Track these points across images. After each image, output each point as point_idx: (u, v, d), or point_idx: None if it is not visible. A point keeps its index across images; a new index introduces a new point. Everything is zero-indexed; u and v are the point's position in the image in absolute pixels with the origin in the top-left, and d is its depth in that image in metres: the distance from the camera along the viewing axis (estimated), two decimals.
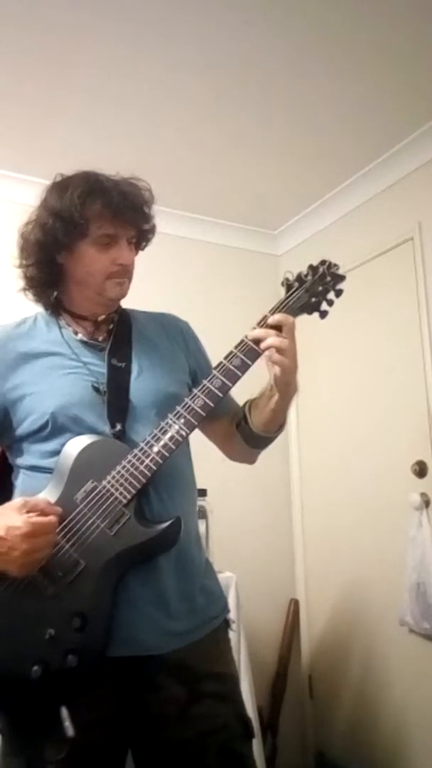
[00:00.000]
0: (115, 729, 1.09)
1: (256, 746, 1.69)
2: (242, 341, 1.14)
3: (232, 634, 1.26)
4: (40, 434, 1.14)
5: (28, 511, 1.01)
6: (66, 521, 1.06)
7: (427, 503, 2.24)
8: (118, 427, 1.13)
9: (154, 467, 1.07)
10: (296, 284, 1.19)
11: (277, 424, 1.24)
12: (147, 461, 1.07)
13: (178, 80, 2.10)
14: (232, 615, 1.34)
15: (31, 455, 1.17)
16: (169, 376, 1.24)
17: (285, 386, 1.16)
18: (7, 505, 1.04)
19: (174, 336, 1.34)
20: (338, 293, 1.20)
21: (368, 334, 2.62)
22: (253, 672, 2.31)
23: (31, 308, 1.30)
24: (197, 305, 2.40)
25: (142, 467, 1.07)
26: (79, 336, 1.24)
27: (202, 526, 2.06)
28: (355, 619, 2.58)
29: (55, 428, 1.12)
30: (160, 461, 1.08)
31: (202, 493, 2.07)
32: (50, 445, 1.13)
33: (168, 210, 2.69)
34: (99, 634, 1.04)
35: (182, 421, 1.10)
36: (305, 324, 1.21)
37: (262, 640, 2.67)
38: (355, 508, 2.61)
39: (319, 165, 2.60)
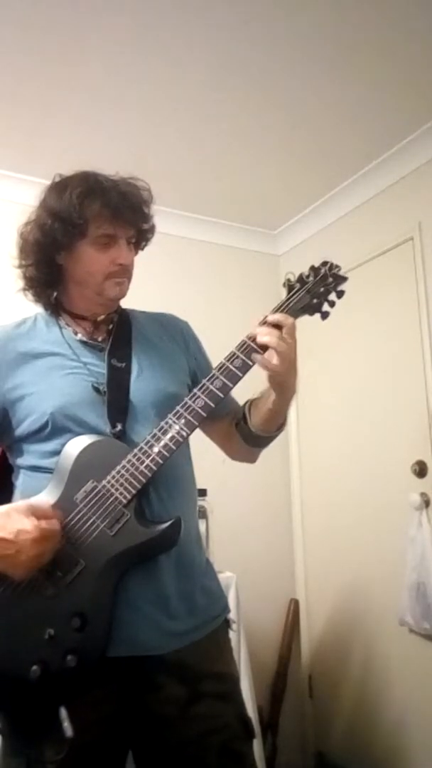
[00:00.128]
0: (115, 729, 1.09)
1: (256, 746, 1.69)
2: (243, 342, 1.14)
3: (232, 634, 1.26)
4: (40, 434, 1.14)
5: (35, 515, 1.01)
6: (66, 521, 1.06)
7: (427, 503, 2.24)
8: (119, 427, 1.13)
9: (155, 467, 1.07)
10: (297, 285, 1.19)
11: (275, 424, 1.24)
12: (147, 461, 1.07)
13: (178, 80, 2.10)
14: (232, 615, 1.34)
15: (31, 455, 1.17)
16: (170, 376, 1.24)
17: (279, 387, 1.16)
18: (12, 507, 1.03)
19: (174, 336, 1.34)
20: (340, 294, 1.20)
21: (368, 334, 2.62)
22: (253, 672, 2.31)
23: (31, 308, 1.30)
24: (197, 305, 2.40)
25: (142, 467, 1.07)
26: (79, 336, 1.24)
27: (202, 526, 2.06)
28: (355, 619, 2.58)
29: (55, 428, 1.12)
30: (161, 461, 1.07)
31: (202, 493, 2.07)
32: (50, 445, 1.13)
33: (168, 210, 2.69)
34: (99, 634, 1.04)
35: (183, 421, 1.10)
36: (305, 324, 1.21)
37: (262, 640, 2.67)
38: (355, 508, 2.61)
39: (319, 165, 2.60)
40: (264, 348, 1.11)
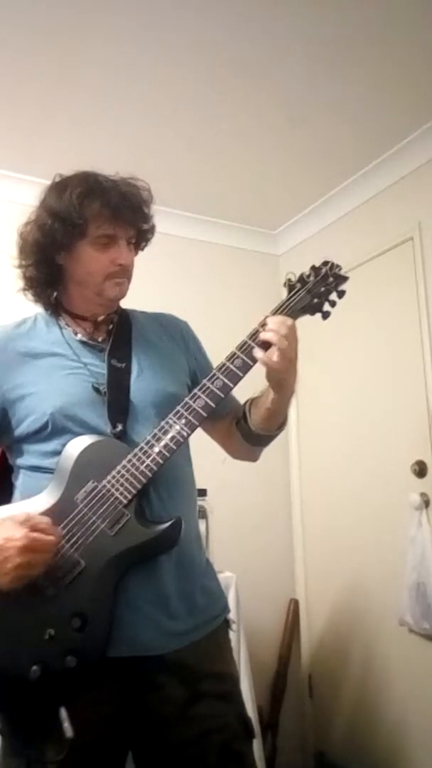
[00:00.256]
0: (115, 729, 1.09)
1: (256, 746, 1.69)
2: (244, 341, 1.14)
3: (232, 634, 1.26)
4: (40, 434, 1.14)
5: (29, 526, 1.00)
6: (66, 521, 1.06)
7: (427, 503, 2.24)
8: (119, 427, 1.13)
9: (155, 467, 1.07)
10: (298, 285, 1.19)
11: (275, 423, 1.24)
12: (147, 461, 1.07)
13: (178, 80, 2.10)
14: (232, 615, 1.34)
15: (31, 455, 1.17)
16: (170, 376, 1.24)
17: (278, 385, 1.16)
18: (9, 516, 1.03)
19: (174, 336, 1.34)
20: (340, 294, 1.20)
21: (368, 334, 2.62)
22: (253, 672, 2.31)
23: (31, 308, 1.30)
24: (197, 305, 2.40)
25: (142, 467, 1.07)
26: (79, 336, 1.24)
27: (202, 526, 2.06)
28: (355, 619, 2.58)
29: (55, 429, 1.12)
30: (161, 461, 1.07)
31: (202, 493, 2.08)
32: (50, 446, 1.13)
33: (168, 210, 2.69)
34: (99, 634, 1.04)
35: (183, 421, 1.10)
36: (305, 324, 1.21)
37: (262, 639, 2.67)
38: (355, 508, 2.61)
39: (319, 165, 2.60)
40: (266, 346, 1.11)
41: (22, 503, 1.12)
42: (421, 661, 2.24)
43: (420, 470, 2.29)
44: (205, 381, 1.13)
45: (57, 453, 1.12)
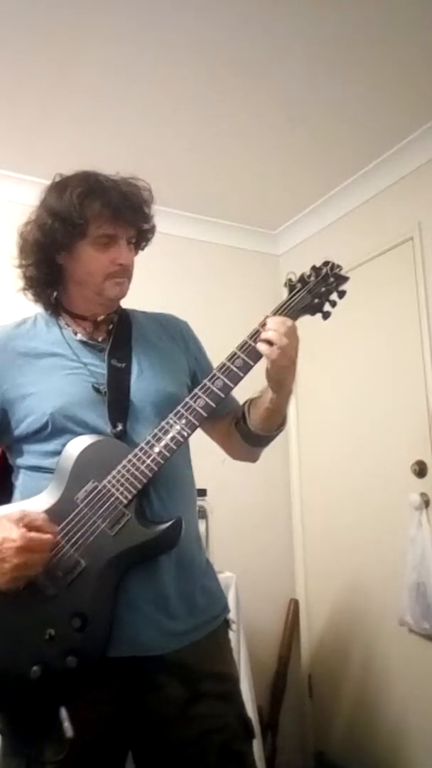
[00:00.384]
0: (115, 729, 1.09)
1: (256, 746, 1.69)
2: (245, 341, 1.14)
3: (232, 634, 1.26)
4: (40, 435, 1.14)
5: (25, 525, 1.00)
6: (66, 521, 1.06)
7: (427, 503, 2.24)
8: (119, 427, 1.13)
9: (155, 467, 1.07)
10: (299, 285, 1.19)
11: (274, 423, 1.24)
12: (148, 461, 1.07)
13: (178, 80, 2.10)
14: (232, 615, 1.34)
15: (31, 455, 1.17)
16: (170, 376, 1.24)
17: (277, 384, 1.17)
18: (4, 515, 1.03)
19: (174, 336, 1.34)
20: (341, 294, 1.20)
21: (368, 334, 2.62)
22: (253, 672, 2.31)
23: (31, 308, 1.30)
24: (197, 305, 2.40)
25: (143, 467, 1.07)
26: (79, 336, 1.23)
27: (202, 526, 2.06)
28: (355, 619, 2.58)
29: (55, 429, 1.12)
30: (161, 461, 1.08)
31: (202, 493, 2.08)
32: (51, 446, 1.13)
33: (168, 210, 2.69)
34: (99, 634, 1.04)
35: (183, 421, 1.10)
36: (305, 324, 1.21)
37: (262, 639, 2.67)
38: (355, 508, 2.61)
39: (319, 165, 2.60)
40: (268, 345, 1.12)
41: (22, 503, 1.12)
42: (421, 661, 2.24)
43: (420, 470, 2.29)
44: (205, 381, 1.13)
45: (57, 453, 1.12)
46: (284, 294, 1.20)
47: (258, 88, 2.14)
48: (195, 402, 1.11)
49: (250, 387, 1.24)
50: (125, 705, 1.09)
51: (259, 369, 1.16)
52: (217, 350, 1.27)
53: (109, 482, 1.07)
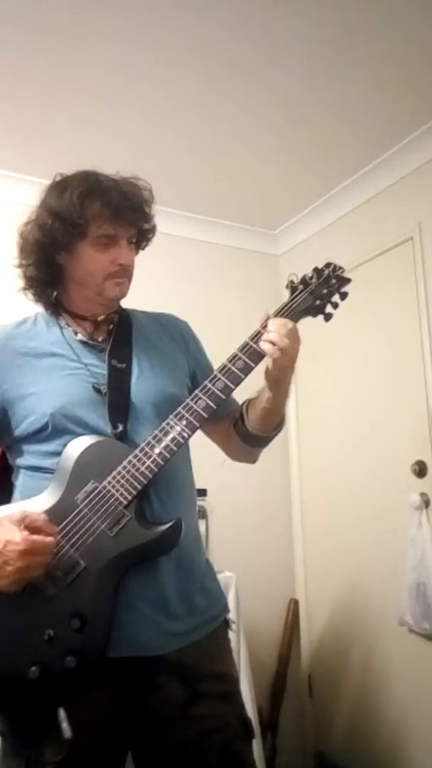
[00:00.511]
0: (114, 729, 1.09)
1: (256, 746, 1.69)
2: (246, 343, 1.14)
3: (231, 634, 1.26)
4: (40, 435, 1.14)
5: (26, 526, 1.00)
6: (66, 522, 1.06)
7: (426, 503, 2.24)
8: (120, 428, 1.12)
9: (156, 468, 1.07)
10: (300, 287, 1.19)
11: (272, 423, 1.24)
12: (148, 462, 1.07)
13: (178, 80, 2.10)
14: (231, 615, 1.34)
15: (31, 456, 1.17)
16: (170, 377, 1.24)
17: (275, 383, 1.17)
18: (5, 516, 1.03)
19: (174, 336, 1.34)
20: (343, 296, 1.20)
21: (368, 334, 2.62)
22: (253, 672, 2.31)
23: (31, 308, 1.30)
24: (197, 305, 2.40)
25: (143, 468, 1.07)
26: (79, 336, 1.23)
27: (202, 526, 2.05)
28: (355, 619, 2.58)
29: (55, 429, 1.12)
30: (162, 462, 1.07)
31: (202, 493, 2.08)
32: (51, 446, 1.13)
33: (168, 210, 2.69)
34: (98, 635, 1.04)
35: (184, 422, 1.10)
36: (306, 324, 1.21)
37: (261, 639, 2.67)
38: (355, 508, 2.61)
39: (319, 165, 2.60)
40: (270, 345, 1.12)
41: (22, 503, 1.12)
42: (421, 661, 2.24)
43: (420, 470, 2.29)
44: (206, 382, 1.13)
45: (57, 453, 1.12)
46: (285, 294, 1.20)
47: (258, 88, 2.14)
48: (195, 403, 1.11)
49: (250, 387, 1.24)
50: (125, 705, 1.09)
51: (259, 370, 1.16)
52: (217, 350, 1.27)
53: (109, 483, 1.07)
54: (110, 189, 1.17)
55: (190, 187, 2.73)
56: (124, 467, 1.07)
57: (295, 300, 1.18)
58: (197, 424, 1.10)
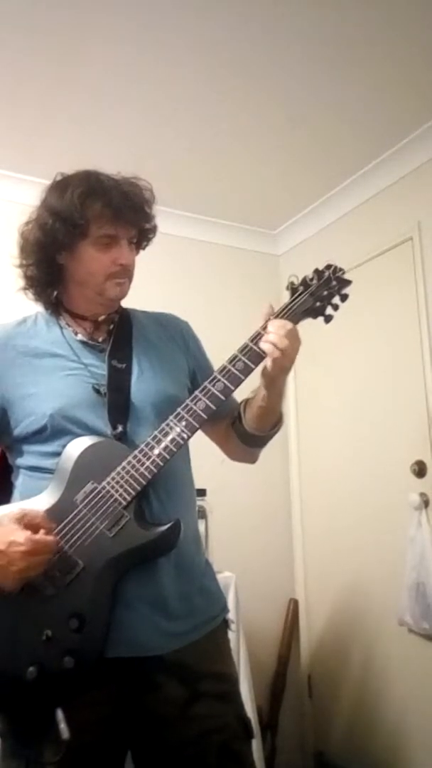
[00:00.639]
0: (114, 729, 1.09)
1: (256, 746, 1.69)
2: (246, 344, 1.14)
3: (231, 634, 1.26)
4: (39, 435, 1.14)
5: (25, 524, 1.01)
6: (65, 522, 1.06)
7: (426, 503, 2.24)
8: (120, 428, 1.12)
9: (155, 469, 1.07)
10: (301, 288, 1.19)
11: (269, 422, 1.24)
12: (147, 463, 1.07)
13: (178, 80, 2.10)
14: (231, 615, 1.34)
15: (31, 456, 1.16)
16: (170, 377, 1.24)
17: (271, 382, 1.17)
18: (5, 515, 1.03)
19: (174, 336, 1.34)
20: (343, 298, 1.20)
21: (368, 334, 2.62)
22: (253, 672, 2.31)
23: (31, 308, 1.30)
24: (197, 305, 2.40)
25: (142, 469, 1.07)
26: (79, 336, 1.23)
27: (201, 526, 2.06)
28: (355, 619, 2.58)
29: (55, 430, 1.12)
30: (161, 463, 1.07)
31: (202, 493, 2.08)
32: (51, 447, 1.13)
33: (168, 210, 2.68)
34: (97, 635, 1.03)
35: (183, 423, 1.10)
36: (305, 324, 1.21)
37: (261, 640, 2.67)
38: (355, 508, 2.61)
39: (319, 165, 2.60)
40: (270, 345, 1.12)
41: (21, 503, 1.12)
42: (421, 661, 2.24)
43: (420, 470, 2.29)
44: (206, 383, 1.13)
45: (57, 454, 1.12)
46: (285, 294, 1.20)
47: (258, 88, 2.14)
48: (195, 404, 1.11)
49: (250, 388, 1.24)
50: (124, 705, 1.08)
51: (258, 370, 1.16)
52: (217, 350, 1.27)
53: (109, 483, 1.07)
54: (111, 189, 1.17)
55: (190, 187, 2.73)
56: (124, 468, 1.07)
57: (295, 301, 1.17)
58: (197, 426, 1.10)
